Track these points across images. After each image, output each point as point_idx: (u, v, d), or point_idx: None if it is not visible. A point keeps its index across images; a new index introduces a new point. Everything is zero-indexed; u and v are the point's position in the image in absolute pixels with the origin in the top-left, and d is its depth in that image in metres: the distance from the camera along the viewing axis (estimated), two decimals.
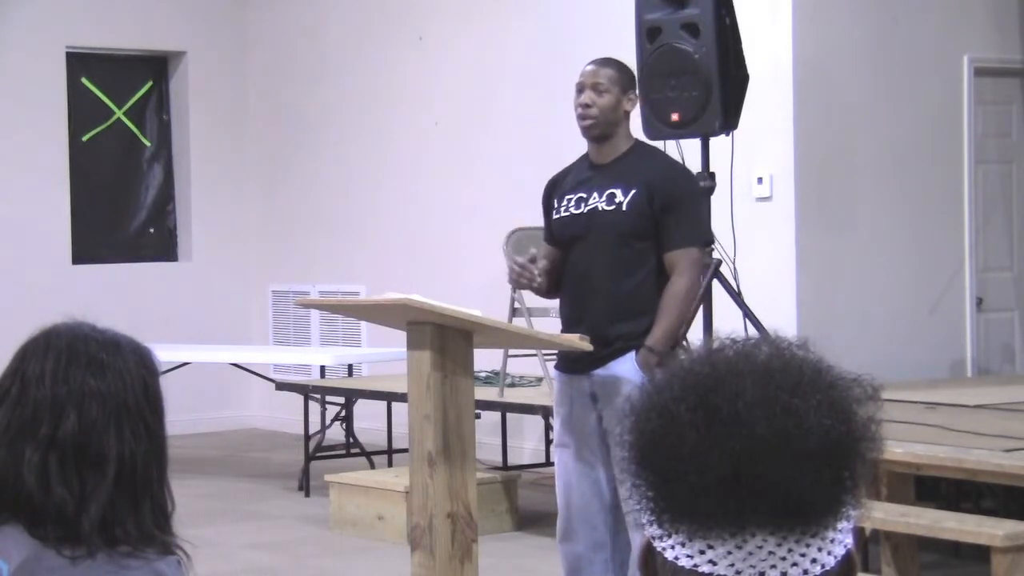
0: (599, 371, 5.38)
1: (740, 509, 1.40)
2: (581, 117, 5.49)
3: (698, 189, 5.69)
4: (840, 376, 1.47)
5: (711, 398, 1.43)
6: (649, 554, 1.48)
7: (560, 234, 5.54)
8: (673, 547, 1.44)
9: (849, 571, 1.45)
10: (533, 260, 5.46)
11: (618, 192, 5.41)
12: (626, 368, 5.33)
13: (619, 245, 5.39)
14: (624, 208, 5.38)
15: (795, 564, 1.41)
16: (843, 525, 1.44)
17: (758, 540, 1.41)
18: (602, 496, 5.45)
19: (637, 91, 5.64)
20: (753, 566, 1.41)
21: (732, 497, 1.40)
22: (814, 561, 1.42)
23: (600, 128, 5.47)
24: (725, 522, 1.41)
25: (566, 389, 5.50)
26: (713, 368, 1.46)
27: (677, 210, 5.39)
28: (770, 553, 1.41)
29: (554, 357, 5.80)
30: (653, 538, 1.47)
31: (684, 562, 1.43)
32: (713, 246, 7.17)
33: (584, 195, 5.47)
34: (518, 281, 5.50)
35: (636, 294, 5.39)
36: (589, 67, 5.57)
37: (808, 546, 1.42)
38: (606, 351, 5.33)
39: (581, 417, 5.44)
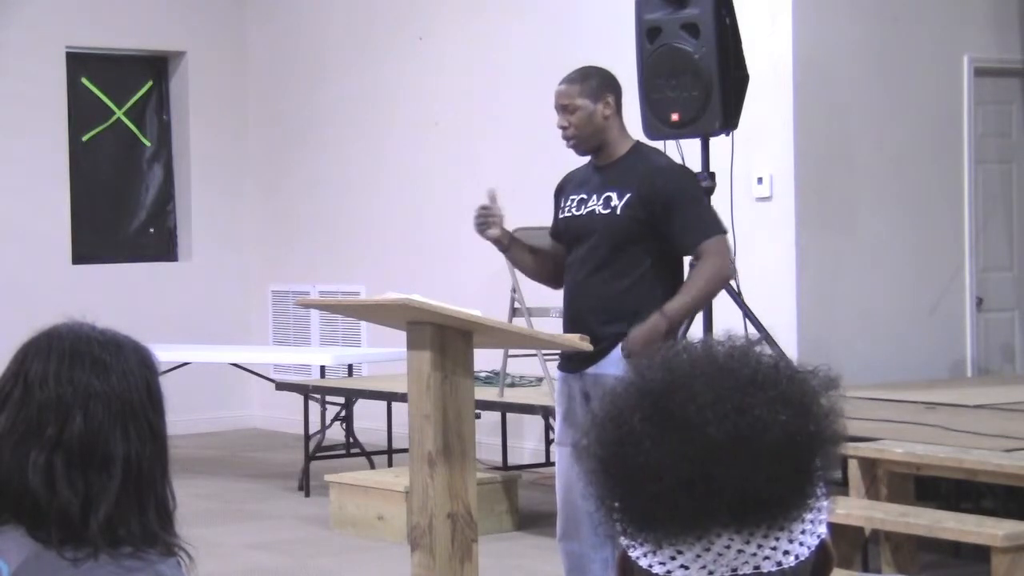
0: (590, 370, 5.44)
1: (699, 513, 1.40)
2: (564, 139, 5.57)
3: (696, 185, 5.66)
4: (797, 370, 1.47)
5: (663, 404, 1.42)
6: (626, 563, 1.47)
7: (562, 234, 5.62)
8: (645, 555, 1.44)
9: (825, 560, 1.45)
10: (493, 200, 5.53)
11: (614, 195, 5.45)
12: (615, 366, 5.36)
13: (613, 248, 5.44)
14: (618, 212, 5.43)
15: (767, 558, 1.41)
16: (813, 516, 1.44)
17: (724, 540, 1.41)
18: None
19: (613, 92, 5.52)
20: (725, 565, 1.41)
21: (690, 502, 1.39)
22: (787, 553, 1.42)
23: (585, 144, 5.53)
24: (687, 527, 1.40)
25: (564, 388, 5.57)
26: (667, 374, 1.45)
27: (679, 210, 5.39)
28: (739, 552, 1.41)
29: (554, 357, 5.83)
30: (627, 548, 1.46)
31: (658, 569, 1.43)
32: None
33: (585, 197, 5.53)
34: (481, 225, 5.59)
35: (628, 295, 5.43)
36: (558, 87, 5.58)
37: (778, 539, 1.41)
38: (596, 349, 5.36)
39: (578, 415, 5.47)
